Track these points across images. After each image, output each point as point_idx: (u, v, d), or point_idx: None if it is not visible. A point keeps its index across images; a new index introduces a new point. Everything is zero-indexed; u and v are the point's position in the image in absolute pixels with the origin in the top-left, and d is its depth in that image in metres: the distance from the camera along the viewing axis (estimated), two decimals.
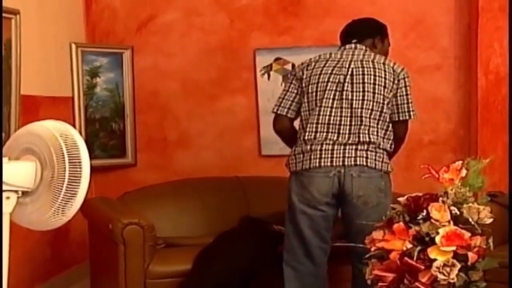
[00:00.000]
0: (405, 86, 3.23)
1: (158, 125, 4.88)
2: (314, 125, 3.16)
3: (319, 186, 3.10)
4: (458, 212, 2.11)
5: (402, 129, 3.27)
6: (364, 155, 3.10)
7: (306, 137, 3.17)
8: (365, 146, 3.11)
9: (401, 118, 3.23)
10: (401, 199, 2.24)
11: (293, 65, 4.65)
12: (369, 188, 3.08)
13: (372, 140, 3.12)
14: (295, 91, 3.28)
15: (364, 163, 3.09)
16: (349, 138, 3.12)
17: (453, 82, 4.59)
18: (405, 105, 3.22)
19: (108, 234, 3.56)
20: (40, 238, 4.05)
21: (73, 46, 4.57)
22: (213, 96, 4.80)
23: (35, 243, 4.04)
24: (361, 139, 3.11)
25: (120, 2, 4.85)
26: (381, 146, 3.15)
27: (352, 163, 3.08)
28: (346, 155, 3.10)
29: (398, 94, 3.21)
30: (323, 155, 3.11)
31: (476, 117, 4.37)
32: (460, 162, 2.23)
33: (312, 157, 3.12)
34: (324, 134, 3.14)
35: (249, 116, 4.76)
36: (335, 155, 3.10)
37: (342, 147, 3.11)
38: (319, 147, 3.12)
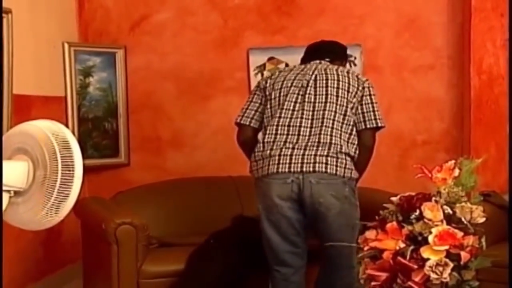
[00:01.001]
0: (370, 94, 3.18)
1: (151, 124, 4.87)
2: (275, 127, 3.11)
3: (279, 192, 3.04)
4: (451, 212, 2.12)
5: (369, 137, 3.17)
6: (324, 161, 3.01)
7: (265, 140, 3.11)
8: (325, 151, 3.02)
9: (367, 126, 3.15)
10: (394, 198, 2.24)
11: (286, 65, 4.65)
12: (328, 194, 3.02)
13: (333, 141, 3.04)
14: (259, 101, 3.25)
15: (324, 170, 3.01)
16: (309, 139, 3.05)
17: (446, 82, 4.60)
18: (371, 113, 3.15)
19: (101, 234, 3.55)
20: (32, 238, 4.04)
21: (66, 45, 4.56)
22: (207, 95, 4.79)
23: (28, 243, 4.03)
24: (322, 140, 3.04)
25: (113, 2, 4.84)
26: (343, 150, 3.05)
27: (311, 169, 3.01)
28: (305, 161, 3.02)
29: (364, 102, 3.16)
30: (281, 161, 3.03)
31: (469, 116, 4.38)
32: (453, 161, 2.23)
33: (270, 162, 3.05)
34: (284, 136, 3.08)
35: None
36: (293, 161, 3.02)
37: (301, 152, 3.03)
38: (278, 152, 3.06)
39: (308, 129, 3.08)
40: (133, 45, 4.81)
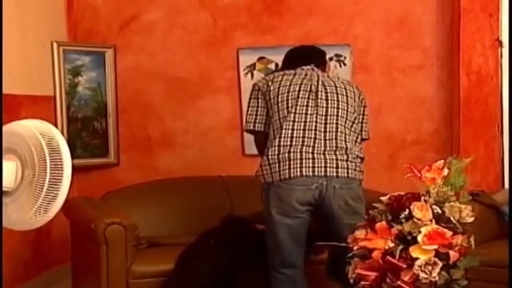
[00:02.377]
0: (365, 107, 3.29)
1: (141, 124, 4.86)
2: (290, 131, 3.11)
3: (299, 198, 3.05)
4: (440, 211, 2.12)
5: (361, 147, 3.27)
6: (345, 166, 3.07)
7: (281, 143, 3.09)
8: (345, 156, 3.08)
9: (363, 137, 3.28)
10: (383, 198, 2.25)
11: (276, 65, 4.65)
12: (349, 198, 3.08)
13: (348, 146, 3.11)
14: (264, 105, 3.23)
15: (345, 175, 3.06)
16: (325, 143, 3.09)
17: (435, 82, 4.62)
18: (366, 125, 3.27)
19: (90, 234, 3.54)
20: (21, 238, 4.02)
21: (55, 44, 4.54)
22: (196, 95, 4.78)
23: (16, 243, 4.00)
24: (339, 145, 3.09)
25: (103, 1, 4.82)
26: (357, 153, 3.14)
27: (334, 174, 3.05)
28: (328, 165, 3.06)
29: (364, 113, 3.27)
30: (304, 164, 3.04)
31: (458, 116, 4.39)
32: (442, 161, 2.24)
33: (292, 165, 3.04)
34: (300, 139, 3.09)
35: (232, 115, 4.76)
36: (316, 164, 3.05)
37: (321, 156, 3.06)
38: (298, 155, 3.06)
39: (322, 133, 3.11)
40: (122, 44, 4.80)
